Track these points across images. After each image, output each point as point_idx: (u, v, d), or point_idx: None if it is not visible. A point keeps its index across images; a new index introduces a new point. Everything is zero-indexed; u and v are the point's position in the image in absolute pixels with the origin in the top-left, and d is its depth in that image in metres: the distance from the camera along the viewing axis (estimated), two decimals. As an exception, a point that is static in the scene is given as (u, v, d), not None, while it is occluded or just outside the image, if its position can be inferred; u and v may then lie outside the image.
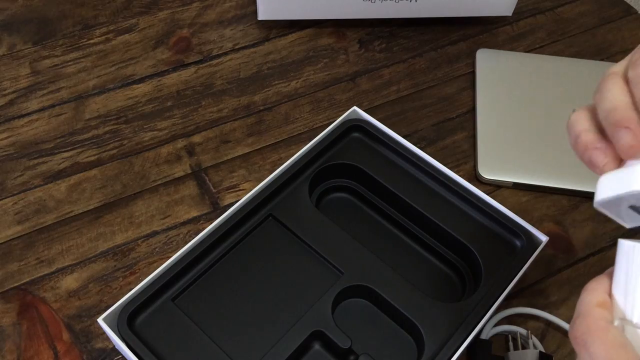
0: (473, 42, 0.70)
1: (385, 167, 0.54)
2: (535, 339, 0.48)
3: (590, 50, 0.69)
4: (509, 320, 0.50)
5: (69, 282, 0.52)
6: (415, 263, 0.52)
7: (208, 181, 0.58)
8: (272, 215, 0.51)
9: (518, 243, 0.50)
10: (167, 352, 0.45)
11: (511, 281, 0.47)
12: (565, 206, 0.57)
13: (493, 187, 0.58)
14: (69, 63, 0.66)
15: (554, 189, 0.57)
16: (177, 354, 0.45)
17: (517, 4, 0.69)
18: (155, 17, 0.70)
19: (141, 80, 0.65)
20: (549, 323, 0.51)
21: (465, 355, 0.47)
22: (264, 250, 0.50)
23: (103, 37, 0.68)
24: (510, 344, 0.49)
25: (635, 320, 0.29)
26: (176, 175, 0.58)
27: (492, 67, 0.66)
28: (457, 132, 0.62)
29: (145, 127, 0.61)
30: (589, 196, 0.57)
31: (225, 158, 0.60)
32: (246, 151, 0.60)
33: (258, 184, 0.51)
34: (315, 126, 0.62)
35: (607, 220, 0.34)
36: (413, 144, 0.55)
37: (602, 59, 0.68)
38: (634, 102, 0.29)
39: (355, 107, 0.56)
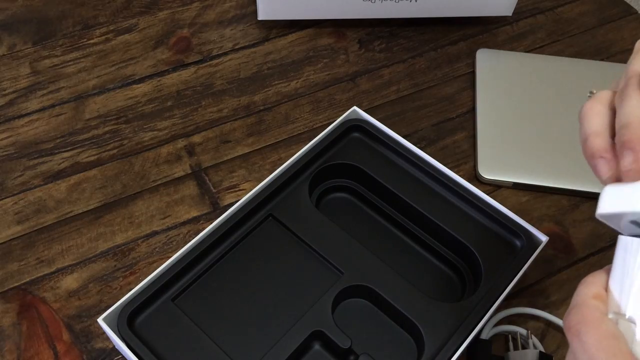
0: (473, 42, 0.70)
1: (385, 167, 0.54)
2: (535, 339, 0.48)
3: (590, 50, 0.69)
4: (509, 320, 0.50)
5: (69, 282, 0.52)
6: (415, 263, 0.52)
7: (208, 181, 0.58)
8: (272, 215, 0.51)
9: (518, 243, 0.50)
10: (167, 352, 0.45)
11: (511, 281, 0.47)
12: (565, 206, 0.57)
13: (493, 187, 0.58)
14: (69, 63, 0.66)
15: (554, 189, 0.57)
16: (177, 354, 0.45)
17: (517, 4, 0.69)
18: (155, 17, 0.70)
19: (141, 80, 0.65)
20: (549, 323, 0.51)
21: (465, 355, 0.47)
22: (264, 250, 0.50)
23: (103, 37, 0.68)
24: (510, 344, 0.49)
25: (628, 314, 0.29)
26: (176, 175, 0.58)
27: (492, 67, 0.66)
28: (457, 132, 0.62)
29: (145, 127, 0.61)
30: (589, 196, 0.57)
31: (225, 158, 0.60)
32: (246, 151, 0.60)
33: (258, 184, 0.51)
34: (315, 126, 0.62)
35: (607, 220, 0.34)
36: (413, 144, 0.55)
37: (602, 59, 0.68)
38: None
39: (355, 107, 0.56)
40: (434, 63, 0.68)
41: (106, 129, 0.61)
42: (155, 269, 0.47)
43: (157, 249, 0.54)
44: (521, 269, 0.48)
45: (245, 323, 0.47)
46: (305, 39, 0.69)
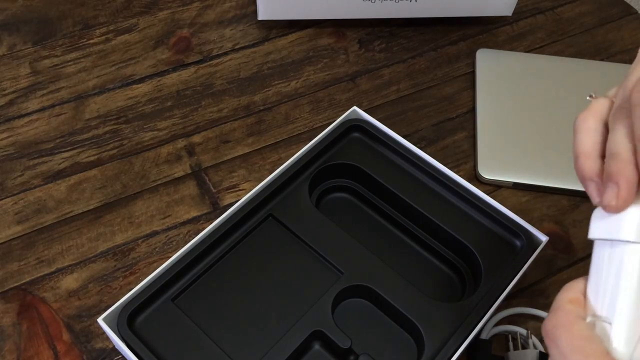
0: (473, 42, 0.70)
1: (385, 167, 0.54)
2: (535, 339, 0.48)
3: (590, 50, 0.69)
4: (509, 320, 0.50)
5: (69, 282, 0.52)
6: (415, 263, 0.52)
7: (208, 181, 0.58)
8: (272, 215, 0.51)
9: (518, 243, 0.50)
10: (167, 352, 0.45)
11: (511, 281, 0.47)
12: (565, 206, 0.57)
13: (493, 187, 0.58)
14: (69, 63, 0.66)
15: (554, 189, 0.57)
16: (177, 354, 0.45)
17: (517, 4, 0.69)
18: (155, 17, 0.70)
19: (141, 80, 0.65)
20: (549, 323, 0.50)
21: (465, 355, 0.47)
22: (264, 250, 0.50)
23: (103, 37, 0.68)
24: (510, 344, 0.49)
25: (603, 314, 0.30)
26: (176, 175, 0.58)
27: (492, 67, 0.66)
28: (457, 132, 0.62)
29: (145, 127, 0.61)
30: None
31: (225, 158, 0.60)
32: (246, 151, 0.60)
33: (258, 184, 0.51)
34: (315, 126, 0.62)
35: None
36: (413, 144, 0.55)
37: (602, 59, 0.68)
38: (635, 153, 0.29)
39: (355, 107, 0.56)
40: (434, 63, 0.68)
41: (106, 129, 0.61)
42: (155, 269, 0.47)
43: (157, 249, 0.54)
44: (521, 269, 0.48)
45: (245, 323, 0.47)
46: (305, 39, 0.69)
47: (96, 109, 0.63)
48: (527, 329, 0.49)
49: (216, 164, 0.59)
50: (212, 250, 0.49)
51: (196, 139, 0.61)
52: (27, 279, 0.52)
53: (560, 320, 0.30)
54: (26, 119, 0.62)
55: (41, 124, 0.61)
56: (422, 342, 0.45)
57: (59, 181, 0.58)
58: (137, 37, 0.68)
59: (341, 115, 0.56)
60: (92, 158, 0.59)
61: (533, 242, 0.49)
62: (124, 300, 0.45)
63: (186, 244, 0.48)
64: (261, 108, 0.63)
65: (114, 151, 0.60)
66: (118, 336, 0.44)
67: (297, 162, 0.53)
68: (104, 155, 0.59)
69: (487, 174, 0.58)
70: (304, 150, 0.53)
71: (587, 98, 0.33)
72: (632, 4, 0.74)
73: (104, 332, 0.49)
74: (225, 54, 0.67)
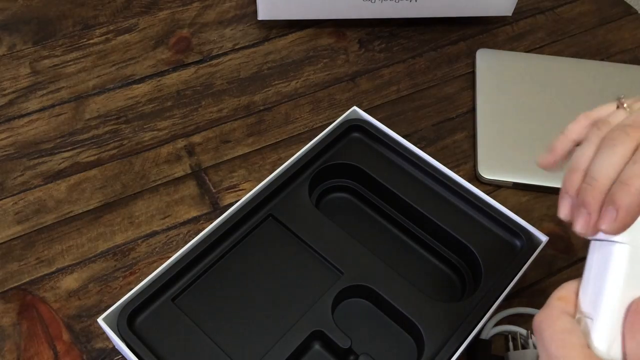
0: (473, 42, 0.70)
1: (385, 167, 0.54)
2: (535, 339, 0.48)
3: (590, 50, 0.69)
4: (509, 320, 0.50)
5: (69, 282, 0.52)
6: (415, 263, 0.52)
7: (208, 181, 0.58)
8: (272, 215, 0.51)
9: (518, 243, 0.50)
10: (167, 352, 0.45)
11: (511, 281, 0.47)
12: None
13: (493, 187, 0.58)
14: (69, 63, 0.66)
15: (554, 189, 0.57)
16: (177, 354, 0.45)
17: (517, 4, 0.69)
18: (155, 17, 0.70)
19: (141, 80, 0.65)
20: (549, 323, 0.50)
21: (465, 355, 0.47)
22: (264, 250, 0.50)
23: (103, 37, 0.68)
24: (510, 344, 0.49)
25: (586, 310, 0.31)
26: (176, 175, 0.58)
27: (492, 67, 0.66)
28: (457, 132, 0.62)
29: (145, 127, 0.61)
30: (589, 196, 0.57)
31: (225, 158, 0.60)
32: (246, 151, 0.60)
33: (258, 184, 0.51)
34: (315, 126, 0.62)
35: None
36: (413, 144, 0.55)
37: (602, 59, 0.68)
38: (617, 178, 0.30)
39: (355, 107, 0.56)
40: (434, 63, 0.68)
41: (106, 129, 0.61)
42: (155, 269, 0.47)
43: (157, 249, 0.54)
44: (521, 269, 0.48)
45: (245, 323, 0.47)
46: (305, 39, 0.69)
47: (96, 109, 0.63)
48: (527, 329, 0.49)
49: (216, 164, 0.59)
50: (212, 250, 0.49)
51: (196, 139, 0.61)
52: (27, 279, 0.52)
53: (546, 314, 0.31)
54: (26, 119, 0.62)
55: (41, 124, 0.61)
56: (422, 342, 0.45)
57: (59, 181, 0.58)
58: (137, 37, 0.68)
59: (341, 115, 0.56)
60: (92, 158, 0.59)
61: (533, 242, 0.49)
62: (124, 300, 0.45)
63: (186, 244, 0.48)
64: (261, 108, 0.63)
65: (114, 151, 0.60)
66: (118, 336, 0.44)
67: (297, 162, 0.53)
68: (104, 155, 0.59)
69: (487, 174, 0.58)
70: (304, 150, 0.53)
71: (617, 100, 0.35)
72: (632, 4, 0.74)
73: (104, 332, 0.49)
74: (225, 54, 0.67)
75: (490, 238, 0.50)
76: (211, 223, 0.49)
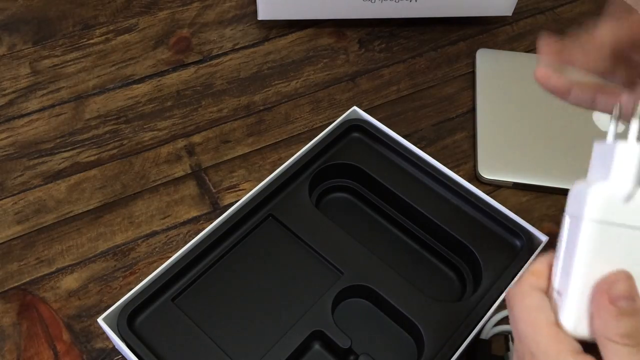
0: (473, 42, 0.70)
1: (385, 167, 0.54)
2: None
3: (590, 50, 0.69)
4: (509, 320, 0.50)
5: (69, 282, 0.52)
6: (415, 263, 0.52)
7: (208, 181, 0.58)
8: (272, 215, 0.51)
9: (518, 243, 0.50)
10: (167, 352, 0.45)
11: (511, 281, 0.47)
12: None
13: (493, 187, 0.58)
14: (69, 63, 0.66)
15: (554, 189, 0.57)
16: (177, 354, 0.45)
17: (517, 4, 0.69)
18: (155, 17, 0.70)
19: (141, 80, 0.65)
20: (549, 323, 0.50)
21: (465, 355, 0.47)
22: (264, 250, 0.50)
23: (103, 37, 0.68)
24: (510, 344, 0.49)
25: (556, 286, 0.31)
26: (176, 175, 0.58)
27: (492, 67, 0.66)
28: (457, 132, 0.62)
29: (145, 127, 0.61)
30: (589, 196, 0.57)
31: (225, 158, 0.60)
32: (246, 151, 0.60)
33: (258, 184, 0.51)
34: (315, 126, 0.62)
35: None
36: (413, 144, 0.55)
37: (602, 59, 0.68)
38: None
39: (355, 107, 0.56)
40: (434, 63, 0.68)
41: (106, 129, 0.61)
42: (155, 269, 0.47)
43: (157, 249, 0.54)
44: (521, 269, 0.48)
45: (245, 323, 0.47)
46: (305, 39, 0.69)
47: (96, 109, 0.63)
48: (527, 329, 0.49)
49: (216, 164, 0.59)
50: (212, 250, 0.49)
51: (196, 139, 0.61)
52: (27, 279, 0.52)
53: (517, 290, 0.31)
54: (26, 119, 0.62)
55: (41, 124, 0.61)
56: (422, 342, 0.45)
57: (59, 181, 0.58)
58: (137, 37, 0.68)
59: (341, 115, 0.56)
60: (92, 158, 0.59)
61: (533, 242, 0.49)
62: (124, 300, 0.45)
63: (186, 244, 0.48)
64: (261, 108, 0.63)
65: (114, 151, 0.60)
66: (118, 336, 0.44)
67: (297, 162, 0.53)
68: (104, 155, 0.59)
69: (487, 174, 0.58)
70: (304, 150, 0.53)
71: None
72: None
73: (104, 332, 0.49)
74: (225, 54, 0.67)
75: (490, 238, 0.50)
76: (211, 223, 0.49)
